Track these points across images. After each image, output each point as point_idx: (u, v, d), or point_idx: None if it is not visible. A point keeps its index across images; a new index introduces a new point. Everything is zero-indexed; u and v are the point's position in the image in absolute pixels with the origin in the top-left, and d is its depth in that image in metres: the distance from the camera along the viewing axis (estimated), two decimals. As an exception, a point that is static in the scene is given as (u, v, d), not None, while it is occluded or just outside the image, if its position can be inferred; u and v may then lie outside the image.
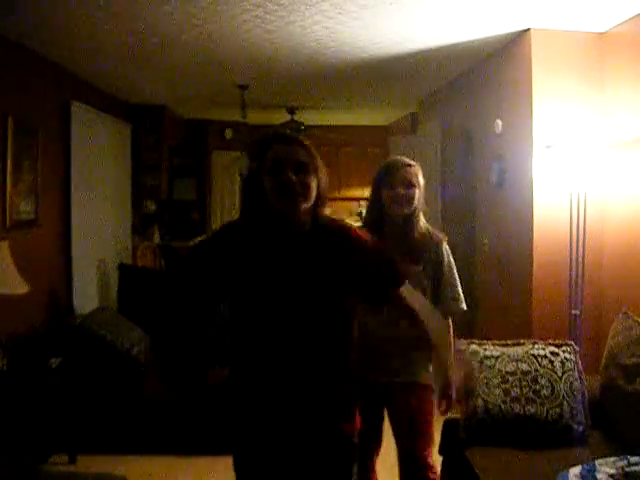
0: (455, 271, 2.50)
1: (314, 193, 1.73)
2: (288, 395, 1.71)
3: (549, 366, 2.80)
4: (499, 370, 2.78)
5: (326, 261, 1.74)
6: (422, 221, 2.47)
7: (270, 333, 1.71)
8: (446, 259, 2.47)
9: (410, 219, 2.43)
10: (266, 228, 1.74)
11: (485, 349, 2.86)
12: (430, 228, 2.50)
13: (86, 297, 5.21)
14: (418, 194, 2.41)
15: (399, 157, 2.55)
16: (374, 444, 2.53)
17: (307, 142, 1.77)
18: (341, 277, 1.74)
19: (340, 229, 1.82)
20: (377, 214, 2.47)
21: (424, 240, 2.44)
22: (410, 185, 2.39)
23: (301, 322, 1.71)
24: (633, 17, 3.38)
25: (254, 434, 1.75)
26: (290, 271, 1.71)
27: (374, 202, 2.49)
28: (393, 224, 2.44)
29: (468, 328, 4.42)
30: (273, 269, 1.71)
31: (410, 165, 2.43)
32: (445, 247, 2.49)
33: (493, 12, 3.41)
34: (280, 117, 7.54)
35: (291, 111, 7.33)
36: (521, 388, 2.75)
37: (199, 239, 2.03)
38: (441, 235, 2.51)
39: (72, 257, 5.03)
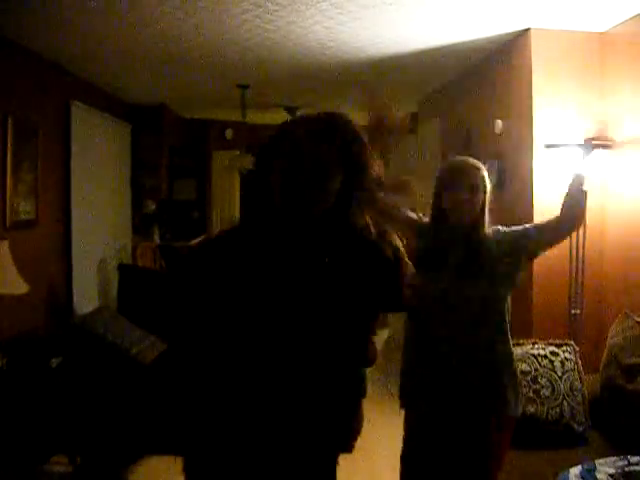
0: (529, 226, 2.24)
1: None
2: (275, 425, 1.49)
3: (549, 366, 2.81)
4: (499, 370, 2.78)
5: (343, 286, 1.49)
6: (488, 229, 2.22)
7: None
8: (506, 243, 2.19)
9: (475, 228, 2.19)
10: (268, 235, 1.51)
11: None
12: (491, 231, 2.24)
13: (86, 297, 5.21)
14: (483, 200, 2.17)
15: (464, 158, 2.31)
16: None
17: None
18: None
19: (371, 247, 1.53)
20: (438, 220, 2.23)
21: (490, 248, 2.19)
22: (475, 190, 2.15)
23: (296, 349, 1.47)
24: (633, 17, 3.38)
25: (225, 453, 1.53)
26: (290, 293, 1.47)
27: (435, 206, 2.25)
28: (455, 231, 2.20)
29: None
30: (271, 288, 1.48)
31: (477, 167, 2.20)
32: (497, 235, 2.22)
33: (493, 12, 3.41)
34: (280, 117, 7.54)
35: (291, 111, 7.33)
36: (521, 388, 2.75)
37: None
38: (492, 229, 2.24)
39: (72, 257, 5.03)
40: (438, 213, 2.24)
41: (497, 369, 2.21)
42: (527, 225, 2.29)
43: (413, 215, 2.39)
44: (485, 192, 2.18)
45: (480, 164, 2.23)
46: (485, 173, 2.21)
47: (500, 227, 2.28)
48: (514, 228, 2.28)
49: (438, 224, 2.24)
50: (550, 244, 2.27)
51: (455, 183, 2.17)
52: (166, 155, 7.55)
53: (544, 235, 2.24)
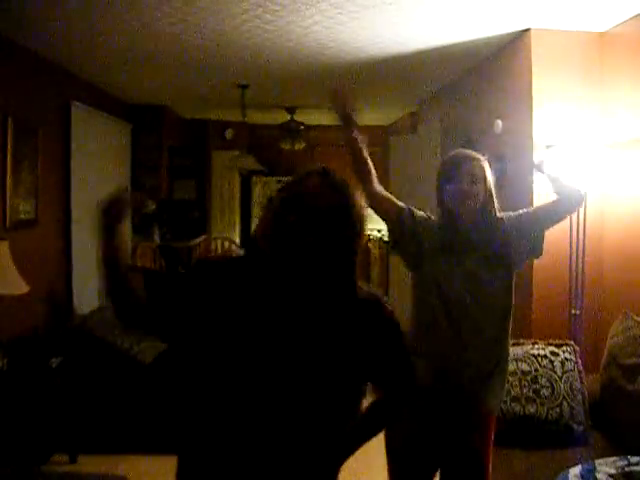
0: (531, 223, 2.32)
1: None
2: None
3: (549, 366, 2.81)
4: (499, 370, 2.78)
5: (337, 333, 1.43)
6: (500, 219, 2.25)
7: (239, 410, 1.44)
8: (514, 231, 2.26)
9: (484, 217, 2.20)
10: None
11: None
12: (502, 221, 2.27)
13: (86, 297, 5.21)
14: (484, 190, 2.17)
15: (463, 150, 2.33)
16: None
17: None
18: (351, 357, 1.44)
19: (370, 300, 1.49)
20: (444, 215, 2.23)
21: (506, 241, 2.22)
22: (475, 180, 2.15)
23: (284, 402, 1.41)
24: (633, 17, 3.38)
25: None
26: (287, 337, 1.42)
27: (439, 203, 2.24)
28: (465, 226, 2.19)
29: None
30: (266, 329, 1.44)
31: (475, 158, 2.20)
32: (508, 223, 2.27)
33: (493, 12, 3.41)
34: (280, 117, 7.54)
35: (291, 111, 7.33)
36: (521, 388, 2.76)
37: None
38: (499, 216, 2.26)
39: (72, 257, 5.03)
40: (443, 207, 2.22)
41: (502, 366, 2.22)
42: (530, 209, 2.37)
43: (401, 204, 2.32)
44: (486, 181, 2.17)
45: (479, 155, 2.22)
46: (485, 163, 2.20)
47: (506, 213, 2.31)
48: (520, 211, 2.33)
49: (445, 218, 2.22)
50: (556, 221, 2.42)
51: (455, 175, 2.16)
52: (166, 155, 7.55)
53: (548, 212, 2.41)
